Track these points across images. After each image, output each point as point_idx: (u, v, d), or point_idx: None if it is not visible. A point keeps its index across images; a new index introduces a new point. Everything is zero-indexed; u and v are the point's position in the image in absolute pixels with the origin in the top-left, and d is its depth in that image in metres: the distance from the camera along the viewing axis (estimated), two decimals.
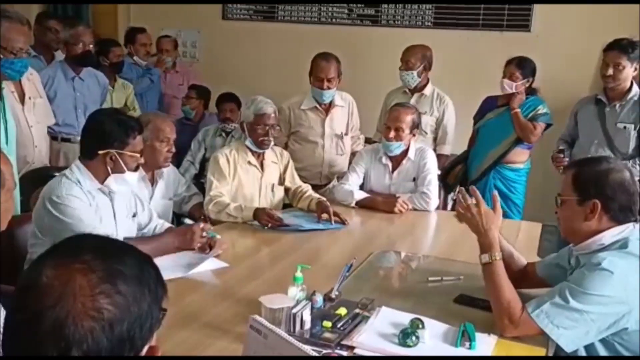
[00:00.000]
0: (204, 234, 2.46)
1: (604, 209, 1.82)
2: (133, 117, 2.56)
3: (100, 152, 2.29)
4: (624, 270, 1.73)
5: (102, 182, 2.33)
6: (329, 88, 3.69)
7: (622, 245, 1.80)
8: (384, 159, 3.45)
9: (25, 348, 0.80)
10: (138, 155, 2.36)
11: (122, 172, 2.33)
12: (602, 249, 1.83)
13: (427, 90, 4.03)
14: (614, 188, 1.83)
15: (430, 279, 2.26)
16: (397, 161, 3.44)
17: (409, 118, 3.34)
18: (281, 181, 3.31)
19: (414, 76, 3.98)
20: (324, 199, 3.21)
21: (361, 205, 3.35)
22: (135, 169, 2.39)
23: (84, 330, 0.78)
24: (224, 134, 4.37)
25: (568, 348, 1.73)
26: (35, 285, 0.82)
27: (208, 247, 2.44)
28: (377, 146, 3.58)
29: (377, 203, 3.33)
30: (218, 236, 2.51)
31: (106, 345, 0.79)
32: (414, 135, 3.41)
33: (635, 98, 3.42)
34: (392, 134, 3.31)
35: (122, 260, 0.86)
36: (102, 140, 2.30)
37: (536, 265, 2.16)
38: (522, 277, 2.11)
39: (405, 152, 3.41)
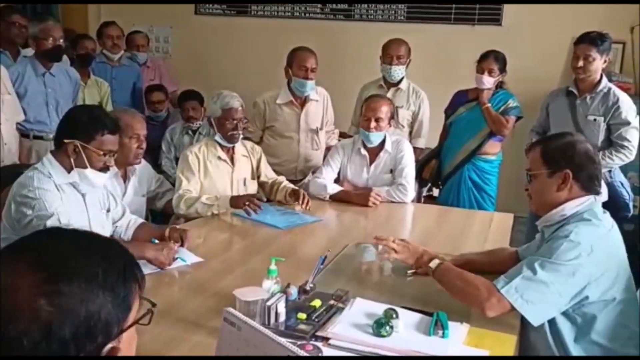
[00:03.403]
0: (177, 257, 2.29)
1: (574, 178, 1.90)
2: (111, 116, 2.42)
3: (66, 141, 2.26)
4: (590, 240, 1.79)
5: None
6: (311, 78, 3.70)
7: (585, 216, 1.86)
8: (362, 151, 3.45)
9: None
10: (102, 154, 2.27)
11: (84, 167, 2.27)
12: (564, 219, 1.89)
13: (403, 85, 4.05)
14: (581, 157, 1.91)
15: (408, 272, 2.26)
16: (374, 154, 3.45)
17: (386, 108, 3.36)
18: (253, 175, 3.30)
19: (404, 70, 4.00)
20: (297, 188, 3.24)
21: (335, 198, 3.36)
22: (102, 170, 2.32)
23: (18, 330, 0.77)
24: (190, 132, 4.36)
25: (535, 322, 1.78)
26: None
27: (180, 240, 2.40)
28: (353, 139, 3.58)
29: (351, 196, 3.34)
30: (188, 262, 2.31)
31: (45, 346, 0.77)
32: (390, 125, 3.44)
33: (605, 90, 3.48)
34: (373, 124, 3.32)
35: (75, 258, 0.83)
36: (68, 129, 2.28)
37: (519, 251, 2.25)
38: (508, 263, 2.18)
39: (382, 145, 3.42)
